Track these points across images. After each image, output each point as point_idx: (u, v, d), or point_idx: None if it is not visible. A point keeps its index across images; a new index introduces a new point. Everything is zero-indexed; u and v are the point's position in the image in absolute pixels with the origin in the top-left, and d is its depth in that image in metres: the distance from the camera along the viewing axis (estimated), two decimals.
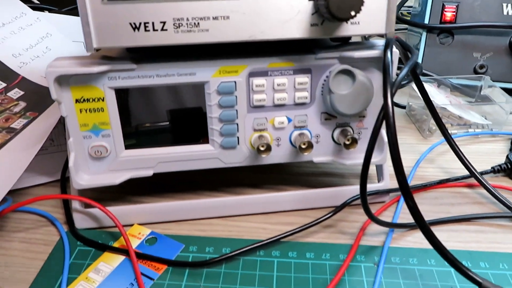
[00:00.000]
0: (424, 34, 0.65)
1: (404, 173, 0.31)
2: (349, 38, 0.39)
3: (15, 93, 0.54)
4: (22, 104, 0.53)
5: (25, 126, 0.49)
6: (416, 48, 0.67)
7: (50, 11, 0.73)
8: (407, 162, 0.50)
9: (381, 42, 0.38)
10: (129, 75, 0.35)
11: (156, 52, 0.36)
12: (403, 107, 0.61)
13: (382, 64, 0.34)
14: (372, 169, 0.48)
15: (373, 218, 0.37)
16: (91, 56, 0.36)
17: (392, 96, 0.33)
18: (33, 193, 0.46)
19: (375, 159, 0.41)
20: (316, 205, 0.43)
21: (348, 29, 0.34)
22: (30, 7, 0.65)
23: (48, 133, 0.44)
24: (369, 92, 0.37)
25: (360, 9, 0.31)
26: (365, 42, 0.39)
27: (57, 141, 0.51)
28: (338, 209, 0.40)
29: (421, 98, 0.44)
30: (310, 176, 0.48)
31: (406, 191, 0.31)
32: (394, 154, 0.31)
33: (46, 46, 0.61)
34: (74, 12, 0.76)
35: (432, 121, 0.53)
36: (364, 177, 0.34)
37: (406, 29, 0.81)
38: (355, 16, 0.31)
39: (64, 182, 0.46)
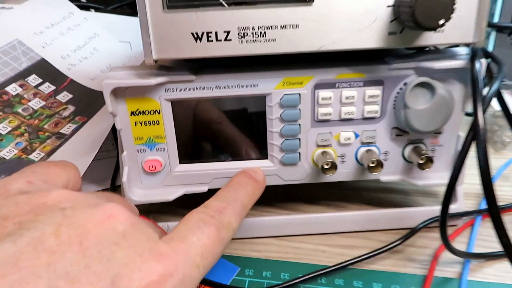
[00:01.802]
0: (494, 34, 0.59)
1: (497, 205, 0.28)
2: (426, 46, 0.35)
3: (64, 96, 0.53)
4: (71, 108, 0.52)
5: (74, 131, 0.48)
6: None
7: (96, 9, 0.72)
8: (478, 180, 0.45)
9: (462, 50, 0.34)
10: (187, 86, 0.33)
11: (216, 62, 0.33)
12: (470, 114, 0.56)
13: (471, 77, 0.30)
14: (440, 189, 0.44)
15: (450, 249, 0.33)
16: (147, 67, 0.34)
17: (484, 113, 0.29)
18: None
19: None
20: (380, 227, 0.39)
21: (431, 38, 0.30)
22: (77, 5, 0.64)
23: (101, 141, 0.43)
24: (450, 107, 0.33)
25: (450, 17, 0.27)
26: (443, 50, 0.35)
27: (105, 146, 0.50)
28: (410, 234, 0.36)
29: (492, 106, 0.39)
30: (371, 192, 0.45)
31: (499, 225, 0.27)
32: (486, 181, 0.27)
33: (94, 47, 0.60)
34: (119, 10, 0.75)
35: (507, 133, 0.48)
36: (446, 205, 0.30)
37: None
38: (443, 25, 0.27)
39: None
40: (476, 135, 0.28)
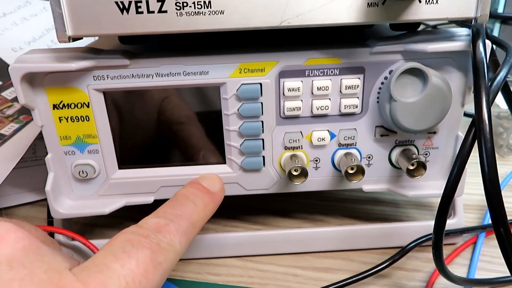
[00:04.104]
0: (498, 25, 0.53)
1: (506, 220, 0.21)
2: (417, 25, 0.29)
3: (11, 92, 0.47)
4: (17, 106, 0.46)
5: (15, 132, 0.42)
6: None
7: None
8: (480, 189, 0.39)
9: (461, 30, 0.28)
10: (120, 73, 0.26)
11: (158, 44, 0.27)
12: (470, 115, 0.49)
13: (473, 61, 0.24)
14: (435, 200, 0.38)
15: (447, 275, 0.26)
16: (74, 49, 0.27)
17: (489, 106, 0.22)
18: (18, 215, 0.39)
19: None
20: (364, 246, 0.33)
21: (421, 11, 0.24)
22: None
23: (32, 140, 0.37)
24: (446, 100, 0.26)
25: None
26: (436, 31, 0.29)
27: None
28: (399, 254, 0.30)
29: (498, 106, 0.33)
30: (355, 203, 0.38)
31: (507, 244, 0.21)
32: (493, 191, 0.21)
33: (52, 39, 0.54)
34: None
35: None
36: (441, 220, 0.24)
37: None
38: None
39: None
40: (480, 134, 0.22)
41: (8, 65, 0.50)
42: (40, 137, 0.39)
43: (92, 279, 0.18)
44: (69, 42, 0.23)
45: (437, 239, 0.24)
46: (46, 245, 0.20)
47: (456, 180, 0.23)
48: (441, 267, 0.26)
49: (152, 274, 0.20)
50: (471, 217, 0.36)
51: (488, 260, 0.32)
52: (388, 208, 0.38)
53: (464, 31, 0.27)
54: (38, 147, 0.45)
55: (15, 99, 0.46)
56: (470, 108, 0.29)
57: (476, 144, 0.23)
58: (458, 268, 0.31)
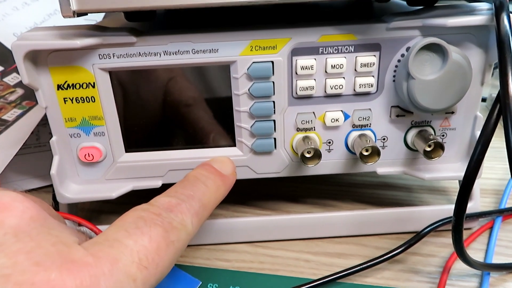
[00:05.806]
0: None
1: None
2: (435, 0, 0.27)
3: (13, 78, 0.46)
4: (20, 92, 0.45)
5: (18, 117, 0.41)
6: None
7: None
8: (496, 173, 0.38)
9: (481, 5, 0.27)
10: (127, 52, 0.25)
11: (165, 21, 0.26)
12: (483, 99, 0.48)
13: (497, 35, 0.22)
14: (449, 184, 0.37)
15: (466, 259, 0.25)
16: (79, 27, 0.26)
17: None
18: None
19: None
20: (377, 231, 0.32)
21: None
22: None
23: (34, 125, 0.36)
24: (466, 77, 0.25)
25: None
26: (455, 5, 0.28)
27: None
28: (414, 239, 0.29)
29: None
30: (367, 187, 0.38)
31: None
32: None
33: (53, 25, 0.53)
34: None
35: None
36: (462, 204, 0.23)
37: None
38: None
39: None
40: (505, 109, 0.21)
41: (9, 50, 0.49)
42: (43, 123, 0.39)
43: (104, 254, 0.17)
44: (74, 17, 0.22)
45: (457, 222, 0.24)
46: (53, 218, 0.19)
47: (479, 160, 0.22)
48: (460, 251, 0.25)
49: (164, 252, 0.19)
50: (486, 201, 0.35)
51: (505, 244, 0.31)
52: (401, 193, 0.37)
53: (484, 5, 0.26)
54: (41, 133, 0.44)
55: (18, 85, 0.46)
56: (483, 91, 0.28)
57: None
58: (474, 253, 0.30)
